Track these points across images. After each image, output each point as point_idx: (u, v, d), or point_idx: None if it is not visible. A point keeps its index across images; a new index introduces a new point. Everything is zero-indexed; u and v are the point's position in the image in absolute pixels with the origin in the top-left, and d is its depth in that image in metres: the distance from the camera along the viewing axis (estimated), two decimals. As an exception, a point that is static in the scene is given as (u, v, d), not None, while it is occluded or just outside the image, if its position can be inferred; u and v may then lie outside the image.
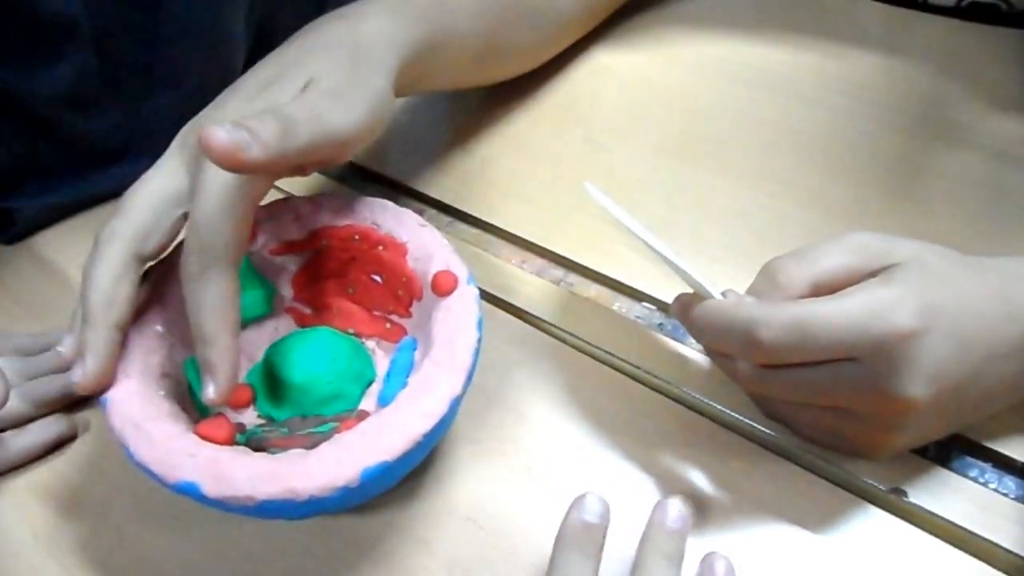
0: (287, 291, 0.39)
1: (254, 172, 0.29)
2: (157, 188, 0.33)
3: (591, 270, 0.43)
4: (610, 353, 0.39)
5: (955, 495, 0.33)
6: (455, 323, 0.32)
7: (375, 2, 0.38)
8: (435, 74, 0.43)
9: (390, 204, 0.36)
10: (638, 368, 0.38)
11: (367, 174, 0.51)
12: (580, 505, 0.29)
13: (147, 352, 0.33)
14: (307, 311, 0.39)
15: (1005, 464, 0.34)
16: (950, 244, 0.31)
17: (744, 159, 0.47)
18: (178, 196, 0.33)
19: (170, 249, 0.34)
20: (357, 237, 0.36)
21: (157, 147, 0.35)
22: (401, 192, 0.50)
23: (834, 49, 0.53)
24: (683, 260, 0.32)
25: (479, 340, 0.32)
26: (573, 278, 0.43)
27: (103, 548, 0.34)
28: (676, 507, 0.30)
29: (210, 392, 0.31)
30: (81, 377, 0.31)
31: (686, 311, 0.33)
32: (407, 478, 0.31)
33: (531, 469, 0.35)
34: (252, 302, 0.37)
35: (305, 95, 0.32)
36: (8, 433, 0.36)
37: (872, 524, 0.32)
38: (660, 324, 0.41)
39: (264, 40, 0.54)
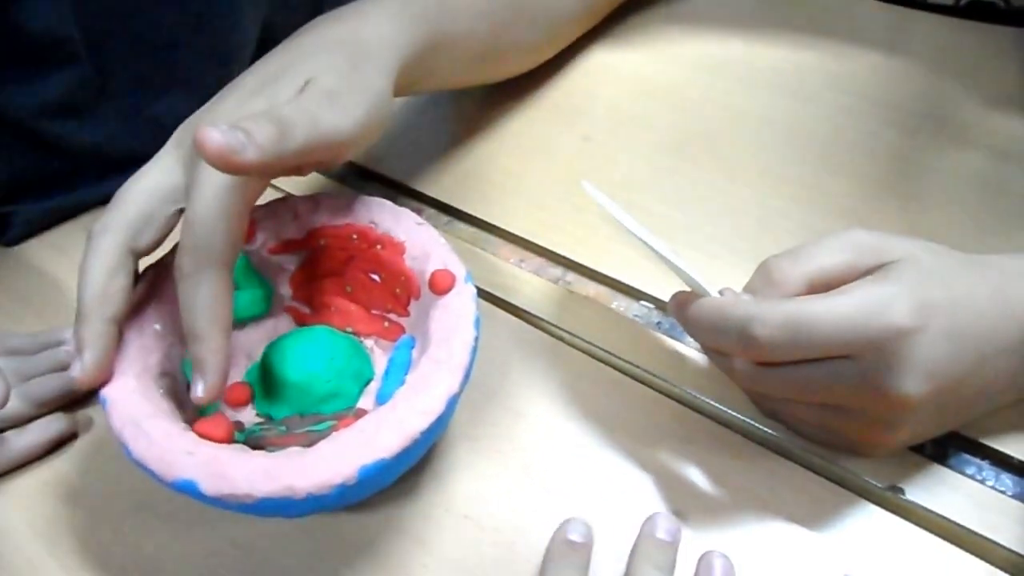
0: (285, 290, 0.39)
1: (249, 174, 0.29)
2: (152, 183, 0.33)
3: (589, 269, 0.43)
4: (608, 351, 0.39)
5: (952, 492, 0.33)
6: (453, 321, 0.32)
7: (375, 2, 0.38)
8: (435, 74, 0.43)
9: (388, 203, 0.37)
10: (636, 366, 0.38)
11: (365, 173, 0.51)
12: (565, 527, 0.32)
13: (146, 351, 0.33)
14: (305, 310, 0.39)
15: (1002, 461, 0.34)
16: (948, 242, 0.31)
17: (742, 157, 0.47)
18: (173, 192, 0.33)
19: (169, 249, 0.34)
20: (355, 236, 0.36)
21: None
22: (399, 191, 0.50)
23: (833, 47, 0.53)
24: (680, 258, 0.32)
25: (476, 338, 0.32)
26: (571, 277, 0.43)
27: (102, 545, 0.34)
28: (666, 519, 0.31)
29: (199, 390, 0.30)
30: (79, 372, 0.31)
31: (683, 309, 0.33)
32: (405, 476, 0.31)
33: (529, 467, 0.35)
34: (250, 301, 0.37)
35: (303, 96, 0.32)
36: (9, 433, 0.37)
37: (869, 521, 0.32)
38: (658, 323, 0.41)
39: (266, 41, 0.54)
